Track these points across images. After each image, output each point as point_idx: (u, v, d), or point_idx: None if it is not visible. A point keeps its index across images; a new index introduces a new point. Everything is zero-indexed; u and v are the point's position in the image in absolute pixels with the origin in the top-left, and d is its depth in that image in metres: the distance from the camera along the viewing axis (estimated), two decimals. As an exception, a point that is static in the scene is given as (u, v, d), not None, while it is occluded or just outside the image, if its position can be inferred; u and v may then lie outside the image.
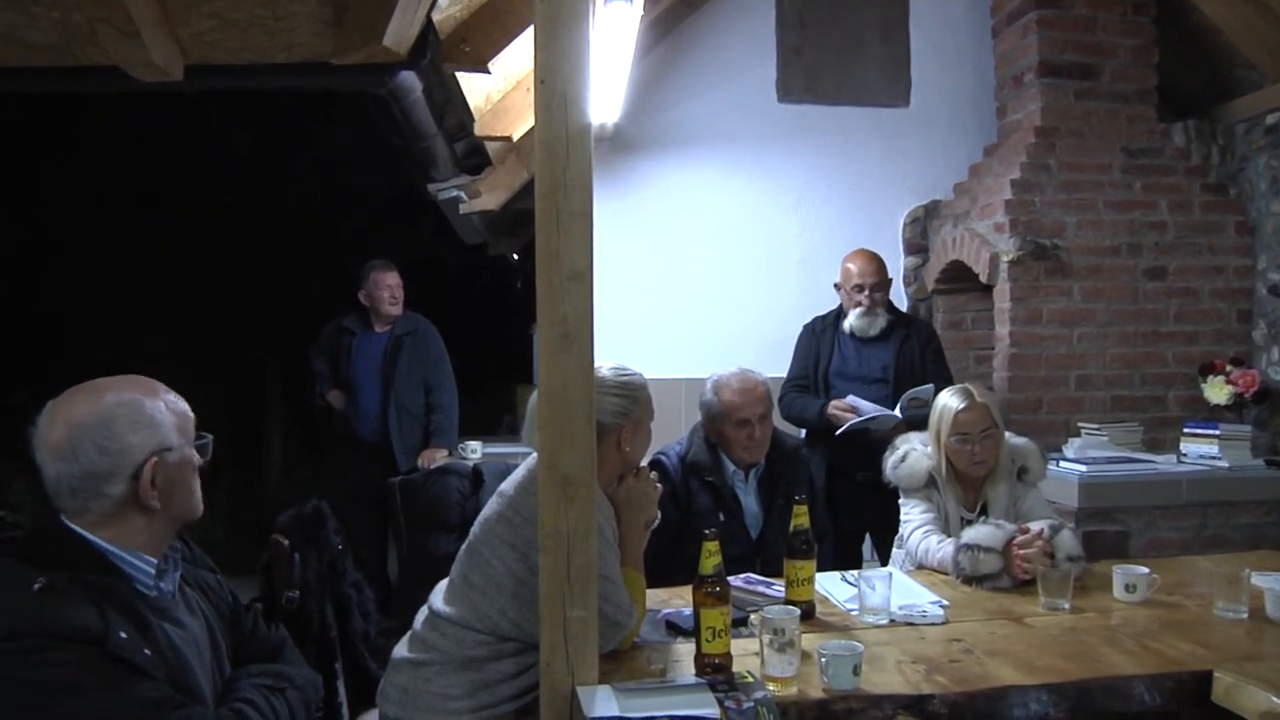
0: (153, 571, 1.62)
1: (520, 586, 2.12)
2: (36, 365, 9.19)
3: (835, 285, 4.22)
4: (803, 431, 4.11)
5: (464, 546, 2.27)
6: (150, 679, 1.49)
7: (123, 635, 1.48)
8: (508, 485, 2.28)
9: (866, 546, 4.15)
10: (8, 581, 1.49)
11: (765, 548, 3.10)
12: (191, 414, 1.70)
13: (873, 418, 3.79)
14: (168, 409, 1.66)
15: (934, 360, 4.08)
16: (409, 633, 2.28)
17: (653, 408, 2.41)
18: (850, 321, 4.09)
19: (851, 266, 4.12)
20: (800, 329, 4.33)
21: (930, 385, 3.73)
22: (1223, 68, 4.78)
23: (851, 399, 3.88)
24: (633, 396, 2.33)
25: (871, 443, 3.65)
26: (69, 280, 9.65)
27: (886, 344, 4.07)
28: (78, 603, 1.48)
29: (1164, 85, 4.83)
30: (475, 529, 2.27)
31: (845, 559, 3.64)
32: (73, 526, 1.60)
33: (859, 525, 4.01)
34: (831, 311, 4.24)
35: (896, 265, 5.18)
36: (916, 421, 3.59)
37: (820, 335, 4.19)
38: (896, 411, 3.79)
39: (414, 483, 4.75)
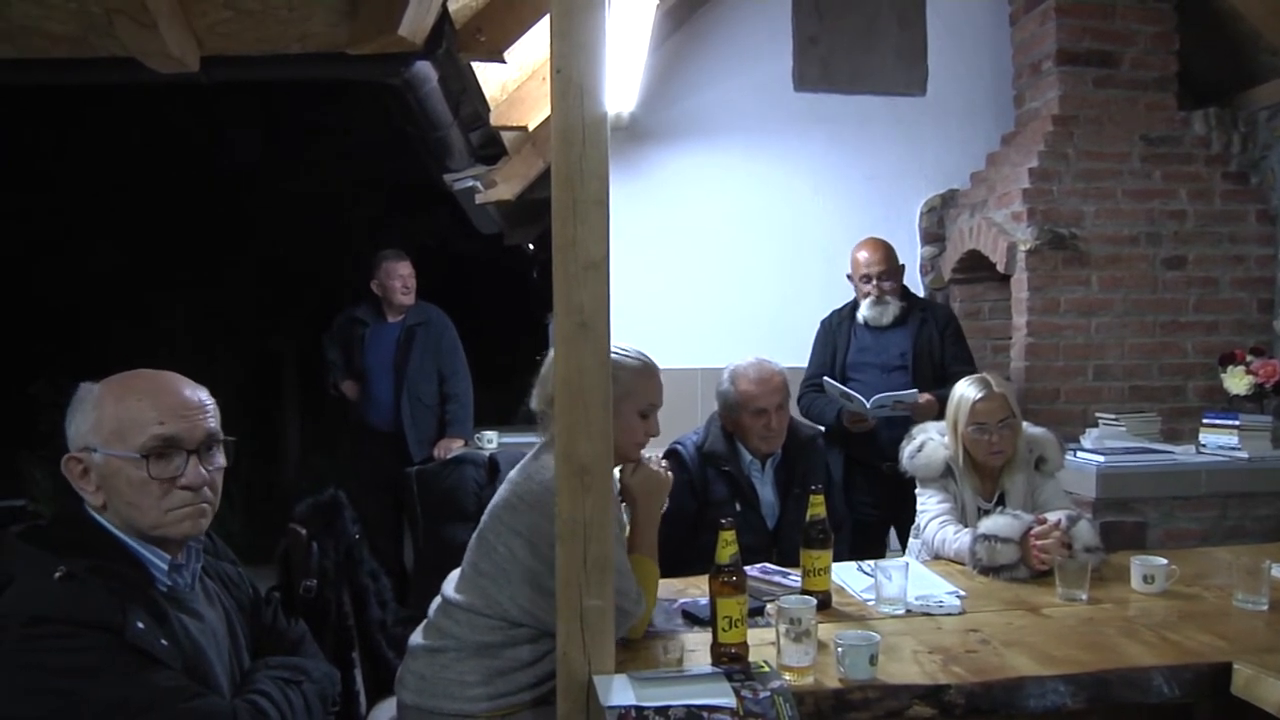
0: (165, 567, 1.64)
1: (527, 572, 2.13)
2: (55, 355, 9.27)
3: (847, 276, 4.21)
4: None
5: (474, 534, 2.29)
6: (166, 668, 1.50)
7: (140, 625, 1.49)
8: (515, 472, 2.30)
9: (892, 537, 4.12)
10: (30, 568, 1.51)
11: (782, 537, 3.10)
12: (153, 428, 1.61)
13: (894, 401, 3.78)
14: (114, 412, 1.61)
15: (953, 342, 4.04)
16: (425, 621, 2.29)
17: (641, 394, 2.32)
18: (863, 312, 4.07)
19: (858, 256, 4.11)
20: (816, 318, 4.31)
21: (914, 390, 3.76)
22: (1244, 54, 4.73)
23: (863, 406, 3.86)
24: None
25: (895, 434, 3.64)
26: (87, 271, 9.71)
27: (903, 330, 4.04)
28: (97, 592, 1.49)
29: (1184, 72, 4.79)
30: (484, 516, 2.29)
31: (869, 550, 3.63)
32: (94, 516, 1.62)
33: (883, 517, 3.98)
34: (847, 304, 4.22)
35: (913, 254, 5.17)
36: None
37: (836, 329, 4.18)
38: (868, 405, 3.79)
39: (430, 472, 4.77)
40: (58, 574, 1.49)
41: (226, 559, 1.88)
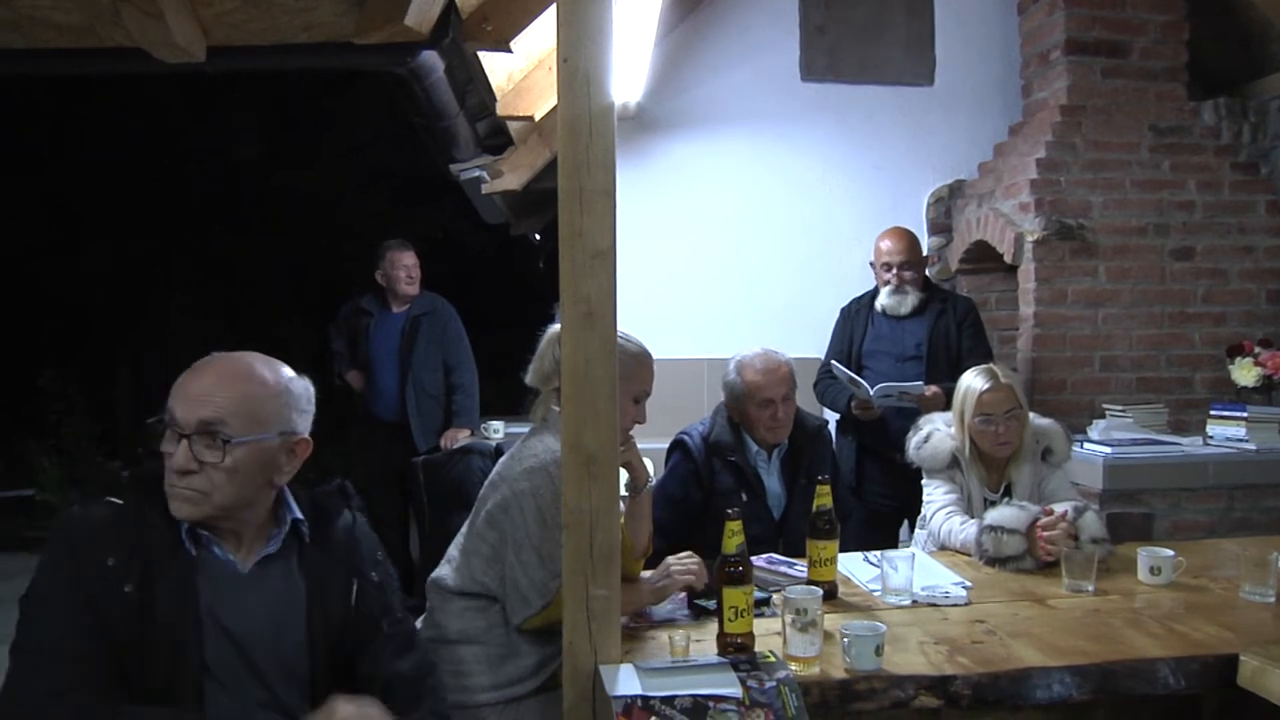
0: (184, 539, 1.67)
1: (482, 541, 2.21)
2: (63, 347, 9.31)
3: (870, 263, 4.21)
4: (826, 411, 4.11)
5: None
6: (83, 597, 1.57)
7: (110, 562, 1.58)
8: (505, 457, 2.37)
9: (904, 529, 4.12)
10: (102, 494, 1.69)
11: (788, 528, 3.10)
12: (168, 403, 1.67)
13: (900, 392, 3.79)
14: (181, 389, 1.69)
15: (971, 335, 4.03)
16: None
17: (637, 380, 2.38)
18: (881, 300, 4.08)
19: (882, 245, 4.12)
20: (822, 308, 4.30)
21: (919, 383, 3.77)
22: (1255, 44, 4.70)
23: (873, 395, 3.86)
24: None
25: (907, 424, 3.63)
26: (95, 262, 9.74)
27: (921, 320, 4.04)
28: (109, 514, 1.64)
29: (1194, 62, 4.75)
30: None
31: (882, 541, 3.62)
32: None
33: (896, 508, 3.97)
34: (868, 292, 4.23)
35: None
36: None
37: (855, 316, 4.19)
38: (872, 392, 3.80)
39: (436, 463, 4.77)
40: (109, 499, 1.66)
41: (371, 553, 1.88)
